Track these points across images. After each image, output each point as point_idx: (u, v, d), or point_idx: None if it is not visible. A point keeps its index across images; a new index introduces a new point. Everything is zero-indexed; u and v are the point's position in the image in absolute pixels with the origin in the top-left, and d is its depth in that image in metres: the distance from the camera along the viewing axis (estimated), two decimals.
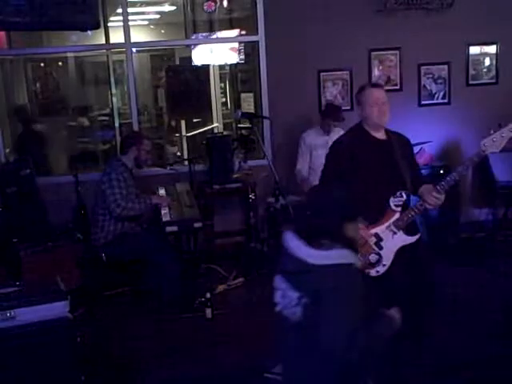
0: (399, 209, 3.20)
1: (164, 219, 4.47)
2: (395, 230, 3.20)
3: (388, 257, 3.20)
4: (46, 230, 4.87)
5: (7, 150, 5.82)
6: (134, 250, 4.46)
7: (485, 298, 4.35)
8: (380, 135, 3.35)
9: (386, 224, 3.20)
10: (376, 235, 3.19)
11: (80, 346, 3.04)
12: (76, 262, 4.66)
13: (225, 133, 6.46)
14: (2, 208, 4.84)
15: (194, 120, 7.37)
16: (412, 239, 3.24)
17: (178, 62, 7.91)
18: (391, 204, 3.19)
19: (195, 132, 7.28)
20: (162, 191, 5.15)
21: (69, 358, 2.96)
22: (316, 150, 5.30)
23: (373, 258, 3.20)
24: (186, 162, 5.59)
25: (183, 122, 7.42)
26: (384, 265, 3.20)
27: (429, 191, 3.16)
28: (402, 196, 3.19)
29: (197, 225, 4.41)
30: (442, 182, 3.10)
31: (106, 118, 7.94)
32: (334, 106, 5.41)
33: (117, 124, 6.57)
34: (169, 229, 4.38)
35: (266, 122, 5.76)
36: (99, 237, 4.52)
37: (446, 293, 4.50)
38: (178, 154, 7.34)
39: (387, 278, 3.21)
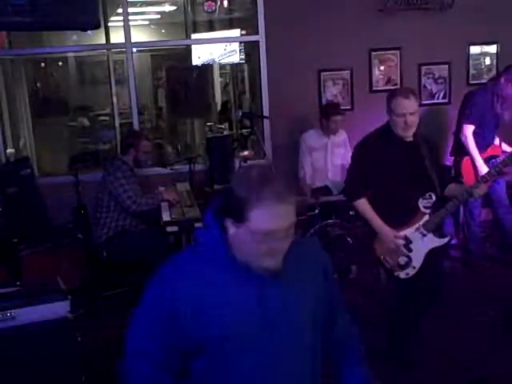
0: (428, 210, 3.16)
1: (164, 219, 4.47)
2: (425, 232, 3.16)
3: (418, 259, 3.15)
4: (46, 230, 4.86)
5: (7, 150, 5.82)
6: (134, 250, 4.48)
7: (484, 299, 4.35)
8: (407, 137, 3.26)
9: (416, 226, 3.17)
10: (405, 238, 3.15)
11: (80, 346, 3.03)
12: (76, 261, 4.66)
13: (225, 133, 6.46)
14: (2, 208, 4.83)
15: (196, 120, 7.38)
16: (442, 241, 3.21)
17: (178, 62, 7.91)
18: (420, 205, 3.15)
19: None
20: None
21: (69, 358, 2.96)
22: (316, 151, 5.29)
23: (402, 260, 3.16)
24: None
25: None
26: (414, 267, 3.16)
27: (461, 187, 3.21)
28: (431, 198, 3.15)
29: (197, 225, 4.39)
30: (485, 174, 3.22)
31: (106, 117, 7.94)
32: (333, 103, 5.49)
33: (117, 124, 6.57)
34: (169, 229, 4.38)
35: (266, 122, 5.76)
36: (101, 234, 4.57)
37: (445, 293, 4.51)
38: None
39: (417, 279, 3.18)
